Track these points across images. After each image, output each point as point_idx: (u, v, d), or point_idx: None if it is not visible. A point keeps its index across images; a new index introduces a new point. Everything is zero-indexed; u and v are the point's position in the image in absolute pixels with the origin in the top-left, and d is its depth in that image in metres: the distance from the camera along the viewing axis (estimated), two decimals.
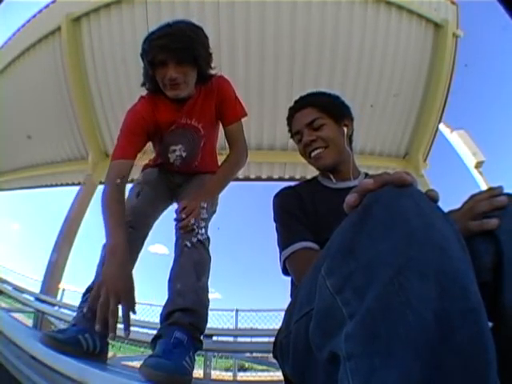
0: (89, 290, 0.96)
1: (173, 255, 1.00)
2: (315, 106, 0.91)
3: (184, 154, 1.13)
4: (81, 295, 0.98)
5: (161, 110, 1.06)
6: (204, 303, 0.93)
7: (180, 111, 1.06)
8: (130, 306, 0.84)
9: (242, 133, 1.14)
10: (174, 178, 1.22)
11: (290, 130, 0.99)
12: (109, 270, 0.84)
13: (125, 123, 1.06)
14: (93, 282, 0.98)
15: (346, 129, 0.92)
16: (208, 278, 0.98)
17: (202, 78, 1.05)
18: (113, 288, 0.81)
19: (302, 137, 0.92)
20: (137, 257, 1.09)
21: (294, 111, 0.95)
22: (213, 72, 1.08)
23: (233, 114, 1.11)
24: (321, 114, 0.90)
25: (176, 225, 0.97)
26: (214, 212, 1.22)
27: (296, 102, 0.97)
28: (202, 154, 1.16)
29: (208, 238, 1.02)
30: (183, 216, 0.95)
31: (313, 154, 0.89)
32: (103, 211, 0.95)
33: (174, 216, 0.98)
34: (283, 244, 0.81)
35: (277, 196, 0.91)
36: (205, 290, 0.95)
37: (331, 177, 0.91)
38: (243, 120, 1.15)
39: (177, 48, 0.93)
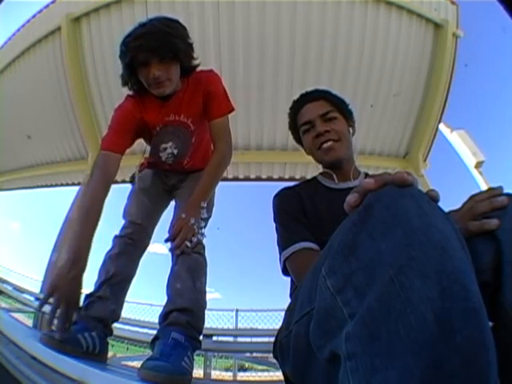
0: (91, 294, 0.98)
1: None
2: (329, 100, 0.92)
3: (175, 152, 1.11)
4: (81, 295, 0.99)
5: (148, 108, 1.05)
6: (201, 303, 0.94)
7: (166, 107, 1.05)
8: (72, 312, 0.83)
9: (227, 130, 1.09)
10: (168, 179, 1.21)
11: (292, 122, 0.98)
12: (65, 278, 0.81)
13: (114, 119, 1.05)
14: (96, 286, 0.99)
15: (351, 129, 0.94)
16: (205, 282, 0.98)
17: (185, 70, 1.04)
18: (67, 298, 0.80)
19: (313, 126, 0.90)
20: (137, 265, 1.11)
21: (304, 102, 0.94)
22: (196, 62, 1.06)
23: (217, 108, 1.07)
24: (333, 108, 0.90)
25: (171, 244, 0.93)
26: (210, 217, 1.21)
27: (307, 93, 0.96)
28: (194, 150, 1.15)
29: (204, 246, 1.01)
30: (174, 238, 0.91)
31: (325, 145, 0.88)
32: (82, 209, 0.91)
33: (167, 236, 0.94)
34: (283, 244, 0.81)
35: (276, 196, 0.91)
36: (201, 293, 0.95)
37: (334, 176, 0.91)
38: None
39: (156, 46, 0.92)
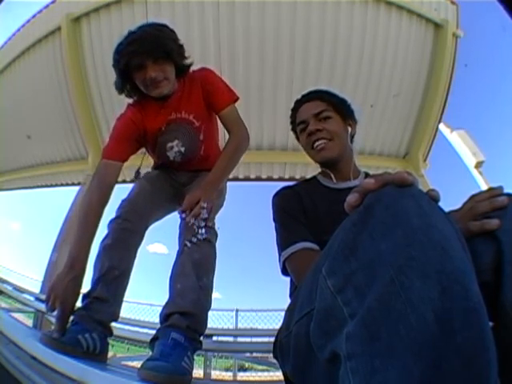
0: (88, 294, 0.96)
1: (172, 254, 0.99)
2: (324, 99, 0.92)
3: (183, 149, 1.11)
4: (81, 295, 0.98)
5: (148, 112, 1.07)
6: (204, 305, 0.92)
7: (166, 107, 1.06)
8: (68, 314, 0.86)
9: (238, 116, 1.10)
10: (179, 176, 1.20)
11: (292, 122, 0.99)
12: (62, 282, 0.86)
13: (115, 128, 1.08)
14: (92, 283, 0.98)
15: (349, 128, 0.93)
16: (213, 276, 0.96)
17: (180, 70, 1.07)
18: (62, 299, 0.84)
19: (307, 126, 0.91)
20: (134, 255, 1.06)
21: (302, 102, 0.95)
22: (189, 61, 1.09)
23: (221, 100, 1.09)
24: (329, 108, 0.91)
25: (180, 217, 0.95)
26: (222, 205, 1.21)
27: (305, 94, 0.97)
28: (204, 148, 1.14)
29: (216, 234, 1.00)
30: (188, 209, 0.92)
31: (316, 144, 0.89)
32: (80, 214, 0.96)
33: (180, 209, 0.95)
34: (283, 244, 0.80)
35: (276, 196, 0.90)
36: (206, 291, 0.93)
37: (332, 176, 0.91)
38: (241, 117, 1.12)
39: (149, 49, 0.96)
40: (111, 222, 1.03)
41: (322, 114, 0.90)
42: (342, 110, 0.93)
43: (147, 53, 0.96)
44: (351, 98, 0.99)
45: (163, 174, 1.20)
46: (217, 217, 1.23)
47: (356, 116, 0.97)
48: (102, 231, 1.02)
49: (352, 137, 0.96)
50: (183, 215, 0.93)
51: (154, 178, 1.18)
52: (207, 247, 0.95)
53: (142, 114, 1.07)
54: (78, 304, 0.94)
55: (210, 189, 0.96)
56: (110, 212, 1.07)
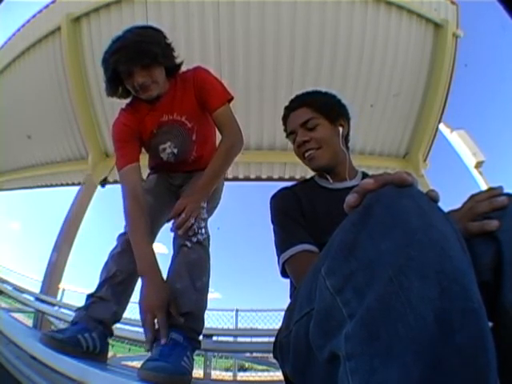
0: (92, 294, 0.97)
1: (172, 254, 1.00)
2: (310, 105, 0.90)
3: (175, 151, 1.11)
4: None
5: (142, 115, 1.07)
6: (200, 305, 0.92)
7: (157, 109, 1.07)
8: (163, 318, 0.85)
9: (231, 117, 1.08)
10: (174, 179, 1.21)
11: (285, 130, 0.98)
12: (143, 292, 0.88)
13: (114, 137, 1.08)
14: (97, 285, 0.98)
15: (341, 129, 0.91)
16: (208, 278, 0.97)
17: (170, 70, 1.07)
18: (147, 307, 0.85)
19: (296, 136, 0.91)
20: None
21: (289, 111, 0.94)
22: (178, 61, 1.09)
23: (215, 99, 1.07)
24: (315, 114, 0.88)
25: (172, 223, 0.96)
26: (216, 206, 1.21)
27: (291, 101, 0.95)
28: (197, 148, 1.14)
29: (208, 237, 1.01)
30: (176, 217, 0.93)
31: (306, 155, 0.89)
32: (128, 225, 0.97)
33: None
34: (282, 246, 0.80)
35: (274, 197, 0.90)
36: (202, 292, 0.94)
37: (328, 177, 0.91)
38: (241, 117, 1.11)
39: (132, 57, 0.96)
40: (120, 236, 1.05)
41: (309, 124, 0.88)
42: (330, 112, 0.90)
43: (131, 60, 0.96)
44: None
45: (160, 179, 1.20)
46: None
47: (349, 111, 0.94)
48: (111, 243, 1.06)
49: (347, 135, 0.94)
50: (172, 223, 0.94)
51: (153, 186, 1.18)
52: (201, 249, 0.96)
53: (135, 116, 1.07)
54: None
55: (201, 195, 0.97)
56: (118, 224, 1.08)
